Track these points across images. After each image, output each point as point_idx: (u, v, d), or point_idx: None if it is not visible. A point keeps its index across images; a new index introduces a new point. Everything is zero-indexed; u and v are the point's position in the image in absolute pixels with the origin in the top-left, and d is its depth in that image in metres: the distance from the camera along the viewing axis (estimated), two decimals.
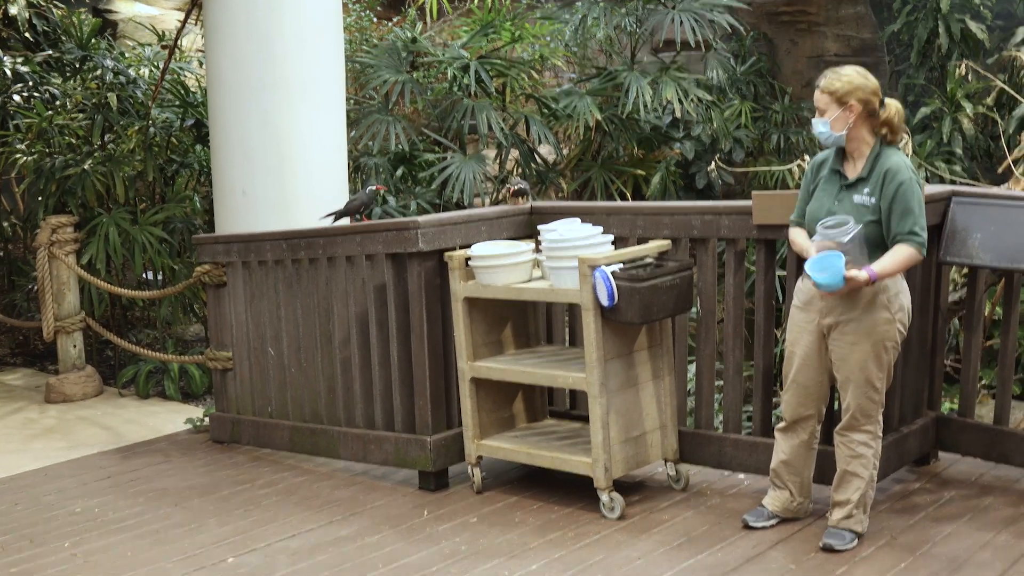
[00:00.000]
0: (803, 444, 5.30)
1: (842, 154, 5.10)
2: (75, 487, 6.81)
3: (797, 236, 5.24)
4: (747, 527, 5.40)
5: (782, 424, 5.33)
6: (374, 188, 6.87)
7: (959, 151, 9.79)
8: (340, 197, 7.88)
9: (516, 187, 6.68)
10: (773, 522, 5.40)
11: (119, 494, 6.60)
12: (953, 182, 8.76)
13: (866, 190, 4.96)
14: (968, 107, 9.89)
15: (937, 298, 5.99)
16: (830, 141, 5.04)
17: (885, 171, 4.93)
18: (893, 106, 5.03)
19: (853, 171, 5.04)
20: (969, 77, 10.07)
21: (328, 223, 6.95)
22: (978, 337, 5.97)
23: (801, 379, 5.20)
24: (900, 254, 4.87)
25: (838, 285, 4.81)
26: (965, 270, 6.91)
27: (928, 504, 5.58)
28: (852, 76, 4.98)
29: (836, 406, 5.56)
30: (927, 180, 8.59)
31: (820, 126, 5.02)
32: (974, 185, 8.42)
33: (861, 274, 4.80)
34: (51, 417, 8.59)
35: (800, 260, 5.41)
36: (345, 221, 6.87)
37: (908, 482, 5.89)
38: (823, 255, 4.84)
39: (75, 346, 9.13)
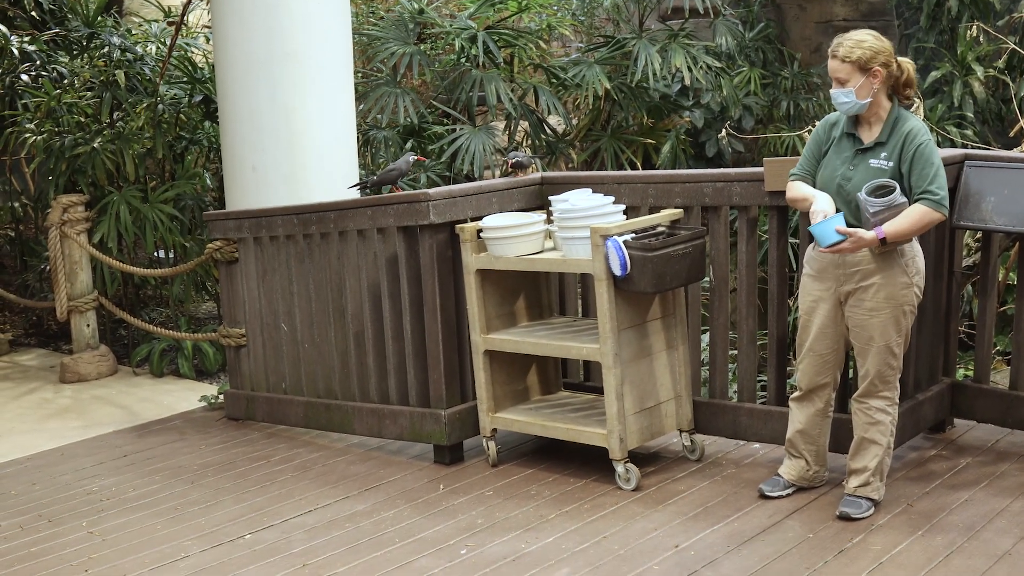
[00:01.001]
0: (819, 413, 5.29)
1: (855, 118, 5.06)
2: (91, 466, 6.83)
3: (797, 186, 5.18)
4: (763, 496, 5.39)
5: (797, 393, 5.32)
6: (414, 158, 6.80)
7: (970, 115, 9.72)
8: (350, 171, 7.86)
9: (513, 160, 6.63)
10: (789, 491, 5.40)
11: (135, 472, 6.62)
12: (965, 146, 8.71)
13: (883, 154, 4.92)
14: (979, 70, 9.82)
15: (951, 263, 5.97)
16: (854, 110, 4.96)
17: (905, 134, 4.90)
18: (907, 65, 4.99)
19: (869, 135, 5.00)
20: (980, 39, 9.99)
21: (354, 193, 6.91)
22: (992, 302, 5.95)
23: (818, 348, 5.18)
24: (914, 213, 4.83)
25: (828, 238, 4.79)
26: (978, 234, 6.88)
27: (944, 471, 5.58)
28: (871, 41, 4.91)
29: (851, 374, 5.55)
30: (939, 145, 8.55)
31: (842, 96, 4.92)
32: (987, 149, 8.37)
33: (867, 233, 4.78)
34: (66, 397, 8.61)
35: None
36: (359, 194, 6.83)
37: (924, 449, 5.88)
38: (829, 218, 4.83)
39: (88, 325, 9.14)
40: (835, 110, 5.11)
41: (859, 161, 4.98)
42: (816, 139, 5.20)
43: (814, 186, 5.12)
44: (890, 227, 4.79)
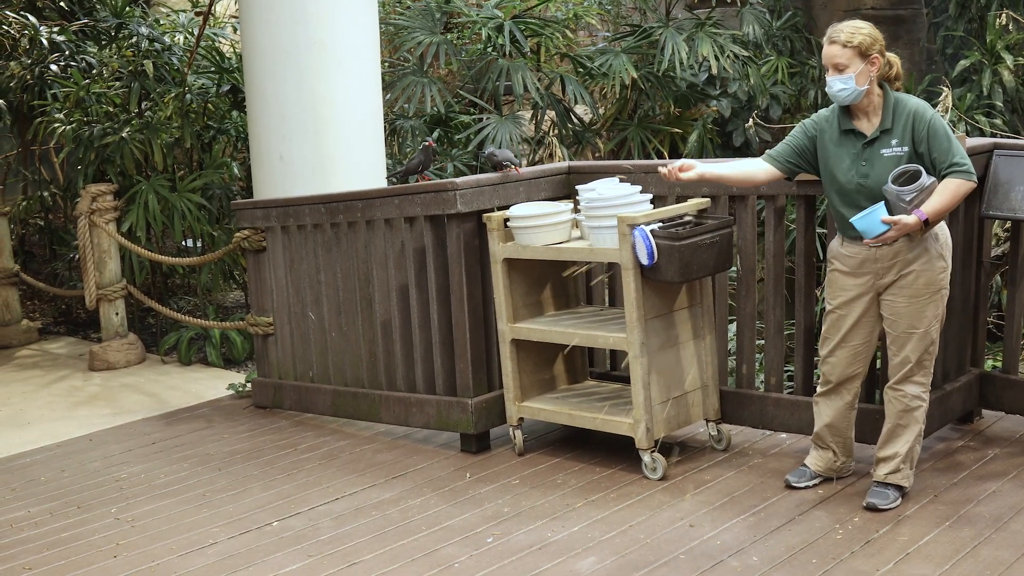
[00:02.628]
0: (847, 406, 5.28)
1: (848, 112, 5.03)
2: (120, 453, 6.87)
3: (743, 163, 5.31)
4: (789, 487, 5.39)
5: (824, 388, 5.29)
6: (425, 144, 6.81)
7: (999, 104, 9.65)
8: (377, 160, 7.88)
9: (494, 161, 6.44)
10: (816, 482, 5.39)
11: (164, 460, 6.66)
12: (994, 135, 8.65)
13: (893, 141, 4.89)
14: (1008, 59, 9.75)
15: (979, 253, 5.94)
16: (851, 98, 4.92)
17: (910, 115, 4.88)
18: (895, 59, 5.02)
19: (870, 126, 4.96)
20: (1010, 27, 9.92)
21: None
22: (1021, 292, 5.91)
23: (853, 340, 5.15)
24: (948, 188, 4.80)
25: (873, 230, 4.78)
26: (1007, 224, 6.84)
27: (971, 462, 5.56)
28: (868, 29, 4.92)
29: (878, 364, 5.54)
30: (967, 134, 8.48)
31: (840, 83, 4.88)
32: (1015, 138, 8.32)
33: (909, 218, 4.75)
34: (95, 384, 8.66)
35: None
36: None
37: (951, 440, 5.87)
38: (870, 209, 4.81)
39: (117, 314, 9.19)
40: None
41: (869, 154, 4.94)
42: (803, 128, 5.20)
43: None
44: (929, 207, 4.76)
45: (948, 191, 4.80)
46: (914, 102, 4.92)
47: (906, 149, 4.87)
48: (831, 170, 5.06)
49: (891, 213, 4.81)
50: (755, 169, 5.30)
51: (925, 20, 11.00)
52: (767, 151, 5.30)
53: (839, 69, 4.90)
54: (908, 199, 4.75)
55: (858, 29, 4.90)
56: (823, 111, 5.19)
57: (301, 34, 7.56)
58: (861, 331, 5.14)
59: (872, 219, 4.79)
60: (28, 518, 5.79)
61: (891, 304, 5.01)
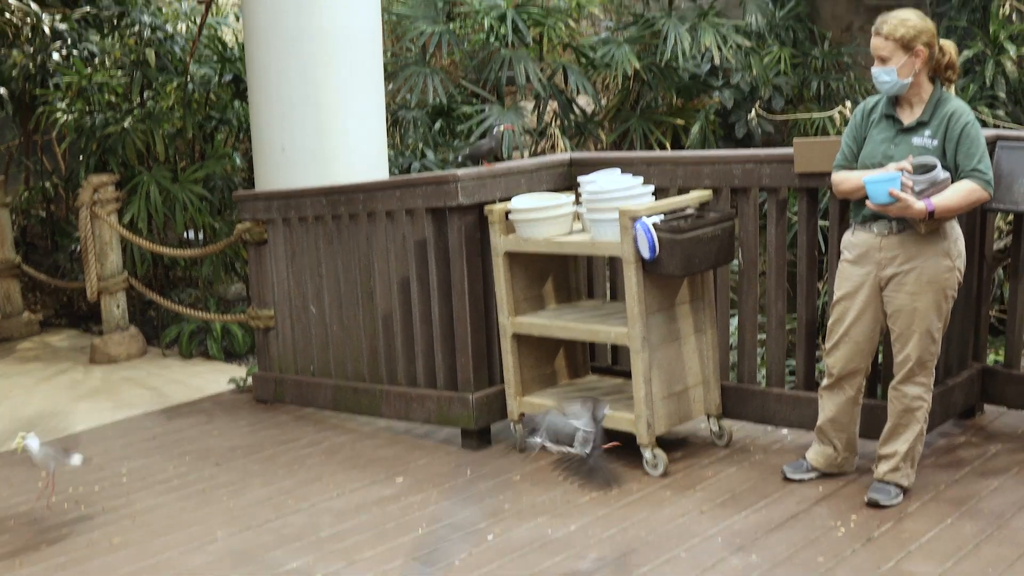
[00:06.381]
0: (850, 400, 5.26)
1: (895, 100, 5.01)
2: (121, 448, 6.87)
3: (845, 176, 5.10)
4: (786, 479, 5.39)
5: (827, 381, 5.28)
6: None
7: (1002, 95, 9.62)
8: (379, 151, 7.85)
9: (483, 149, 6.37)
10: (812, 475, 5.39)
11: (164, 454, 6.65)
12: (997, 126, 8.63)
13: (927, 132, 4.88)
14: (1011, 49, 9.71)
15: (982, 246, 5.91)
16: (895, 89, 4.91)
17: (949, 114, 4.86)
18: (950, 46, 4.97)
19: (910, 116, 4.95)
20: (1013, 18, 9.89)
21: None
22: None
23: (855, 334, 5.14)
24: (963, 187, 4.80)
25: (878, 197, 4.75)
26: (1010, 217, 6.81)
27: (974, 458, 5.54)
28: (915, 20, 4.88)
29: (879, 360, 5.52)
30: None
31: (884, 75, 4.88)
32: (1018, 129, 8.30)
33: (917, 204, 4.72)
34: (96, 378, 8.65)
35: (843, 209, 5.37)
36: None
37: (953, 436, 5.85)
38: (885, 175, 4.77)
39: (119, 306, 9.17)
40: (867, 91, 5.06)
41: (901, 140, 4.94)
42: (854, 126, 5.15)
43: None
44: (939, 200, 4.74)
45: (961, 191, 4.79)
46: (957, 103, 4.91)
47: (936, 143, 4.86)
48: (865, 146, 5.05)
49: None
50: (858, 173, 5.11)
51: (928, 10, 10.95)
52: (835, 163, 5.18)
53: (882, 60, 4.89)
54: (917, 189, 4.73)
55: (903, 21, 4.87)
56: (869, 99, 5.17)
57: (304, 24, 7.52)
58: (863, 325, 5.12)
59: (881, 186, 4.75)
60: (28, 513, 5.77)
61: (893, 299, 4.99)
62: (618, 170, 6.00)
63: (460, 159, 6.80)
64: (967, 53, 9.78)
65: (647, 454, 5.62)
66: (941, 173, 4.77)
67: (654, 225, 5.38)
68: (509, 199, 6.04)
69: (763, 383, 6.06)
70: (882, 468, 5.12)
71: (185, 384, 8.30)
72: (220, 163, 9.70)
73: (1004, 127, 8.58)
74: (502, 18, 9.69)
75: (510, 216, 5.93)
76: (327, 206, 6.83)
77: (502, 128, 6.63)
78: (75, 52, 10.14)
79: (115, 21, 10.39)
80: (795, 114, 10.10)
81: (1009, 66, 9.69)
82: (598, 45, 10.15)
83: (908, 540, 4.72)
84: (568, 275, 6.40)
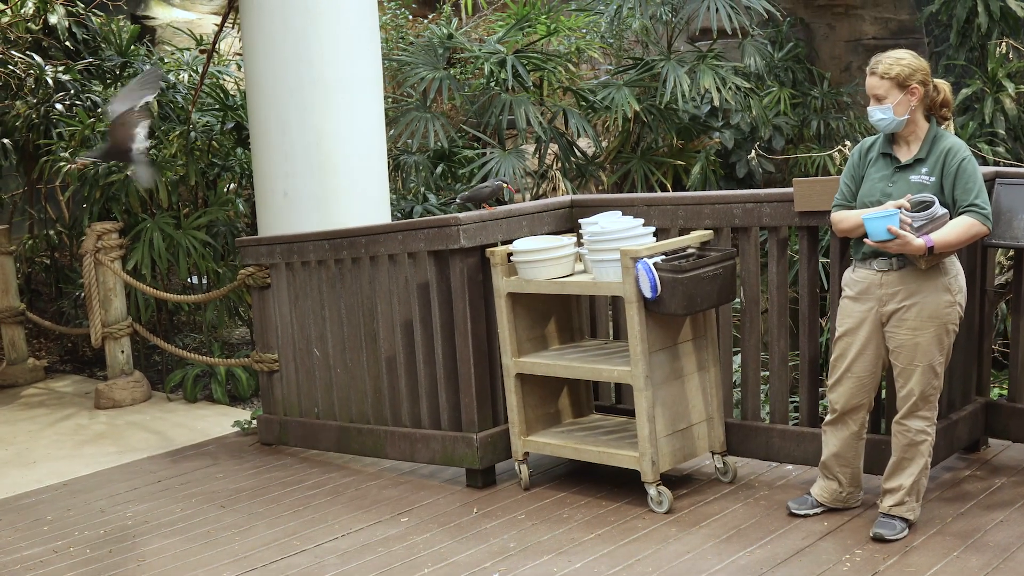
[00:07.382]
0: (853, 435, 5.27)
1: (891, 138, 5.06)
2: (126, 491, 6.86)
3: (844, 215, 5.13)
4: (791, 514, 5.39)
5: (831, 417, 5.28)
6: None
7: (1002, 132, 9.68)
8: (381, 196, 7.90)
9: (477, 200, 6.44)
10: (817, 511, 5.38)
11: (169, 497, 6.65)
12: (996, 163, 8.67)
13: (924, 170, 4.93)
14: (1010, 87, 9.78)
15: (983, 281, 5.94)
16: (891, 127, 4.97)
17: (946, 150, 4.91)
18: (943, 85, 5.03)
19: (907, 153, 5.00)
20: (1010, 56, 9.96)
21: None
22: None
23: (857, 370, 5.15)
24: (962, 223, 4.83)
25: (878, 234, 4.77)
26: (1011, 252, 6.84)
27: (978, 492, 5.54)
28: (909, 59, 4.95)
29: (883, 395, 5.53)
30: None
31: (879, 113, 4.94)
32: (1018, 166, 8.33)
33: (916, 240, 4.75)
34: (101, 423, 8.66)
35: (844, 247, 5.39)
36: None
37: (958, 469, 5.85)
38: (883, 211, 4.80)
39: (123, 352, 9.19)
40: (866, 130, 5.11)
41: (898, 178, 4.98)
42: (851, 166, 5.19)
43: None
44: (938, 236, 4.77)
45: (960, 227, 4.82)
46: (952, 140, 4.96)
47: (934, 179, 4.90)
48: (863, 184, 5.09)
49: None
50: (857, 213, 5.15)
51: (926, 49, 11.03)
52: (834, 203, 5.21)
53: (878, 99, 4.95)
54: (916, 225, 4.77)
55: (898, 60, 4.95)
56: (867, 139, 5.22)
57: (304, 71, 7.59)
58: (865, 361, 5.13)
59: (880, 223, 4.78)
60: (34, 557, 5.77)
61: (895, 335, 5.01)
62: (619, 212, 6.04)
63: (459, 201, 6.83)
64: (966, 91, 9.84)
65: (652, 491, 5.62)
66: (939, 209, 4.81)
67: (655, 265, 5.41)
68: (511, 241, 6.07)
69: (767, 420, 6.07)
70: (887, 502, 5.12)
71: (190, 428, 8.31)
72: (223, 209, 9.75)
73: (1004, 164, 8.63)
74: (502, 63, 9.77)
75: (512, 258, 5.96)
76: (329, 250, 6.86)
77: (503, 185, 6.66)
78: (78, 103, 10.22)
79: (118, 72, 10.47)
80: (795, 153, 10.15)
81: (1008, 104, 9.75)
82: (598, 88, 10.22)
83: (914, 574, 4.71)
84: (571, 315, 6.42)
